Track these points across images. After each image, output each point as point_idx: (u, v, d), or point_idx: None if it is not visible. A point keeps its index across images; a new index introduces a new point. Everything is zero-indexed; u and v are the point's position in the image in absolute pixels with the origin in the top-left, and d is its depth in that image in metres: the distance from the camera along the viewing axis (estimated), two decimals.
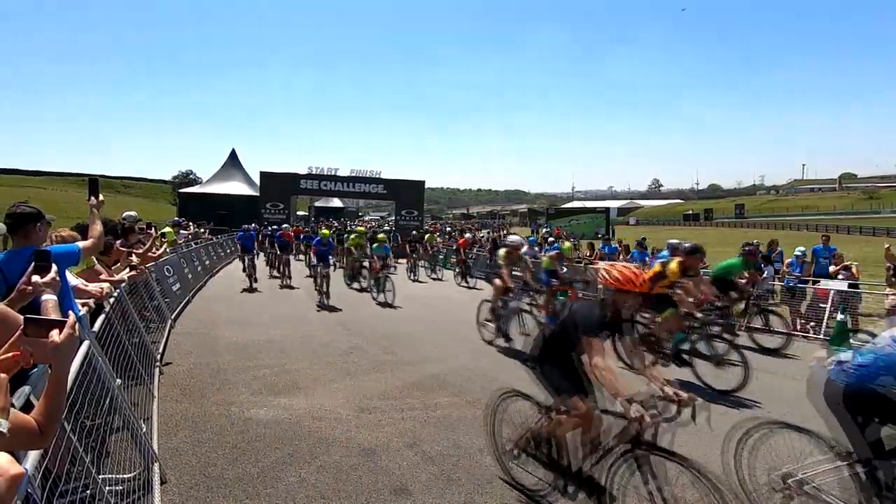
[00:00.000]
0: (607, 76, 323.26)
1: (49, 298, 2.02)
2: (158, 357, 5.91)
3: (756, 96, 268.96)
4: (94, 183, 3.52)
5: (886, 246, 9.03)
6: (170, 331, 7.39)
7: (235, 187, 32.96)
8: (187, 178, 63.58)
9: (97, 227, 3.23)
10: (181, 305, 9.43)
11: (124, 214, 7.95)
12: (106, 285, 4.14)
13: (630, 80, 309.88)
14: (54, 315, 1.95)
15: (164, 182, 75.48)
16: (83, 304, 3.43)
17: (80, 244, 3.14)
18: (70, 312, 1.60)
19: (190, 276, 11.61)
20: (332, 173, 30.46)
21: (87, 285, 3.84)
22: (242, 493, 3.28)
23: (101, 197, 3.41)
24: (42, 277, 2.07)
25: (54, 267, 2.13)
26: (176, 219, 15.53)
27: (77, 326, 1.53)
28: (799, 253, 10.32)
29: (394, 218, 36.43)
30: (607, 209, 46.58)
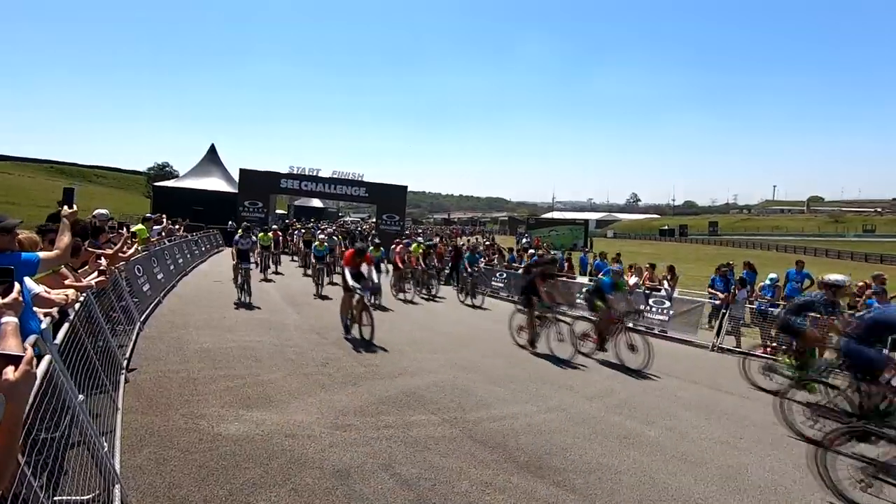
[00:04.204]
0: (590, 90, 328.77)
1: (9, 321, 1.86)
2: (124, 364, 5.67)
3: (732, 118, 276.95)
4: (69, 192, 3.36)
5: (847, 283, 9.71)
6: (138, 334, 7.12)
7: (213, 183, 32.21)
8: (163, 171, 61.61)
9: (65, 239, 3.05)
10: (151, 306, 9.12)
11: (95, 212, 7.65)
12: (71, 291, 3.93)
13: (612, 96, 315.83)
14: (13, 339, 1.80)
15: (139, 173, 73.14)
16: (46, 315, 3.24)
17: (42, 254, 2.95)
18: (27, 347, 1.48)
19: (161, 275, 11.24)
20: (314, 174, 30.11)
21: (50, 292, 3.63)
22: None
23: (74, 207, 3.23)
24: (4, 297, 1.92)
25: (17, 286, 1.98)
26: (147, 215, 15.00)
27: (34, 363, 1.41)
28: (769, 282, 10.59)
29: (374, 220, 36.17)
30: (586, 221, 47.08)
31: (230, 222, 26.19)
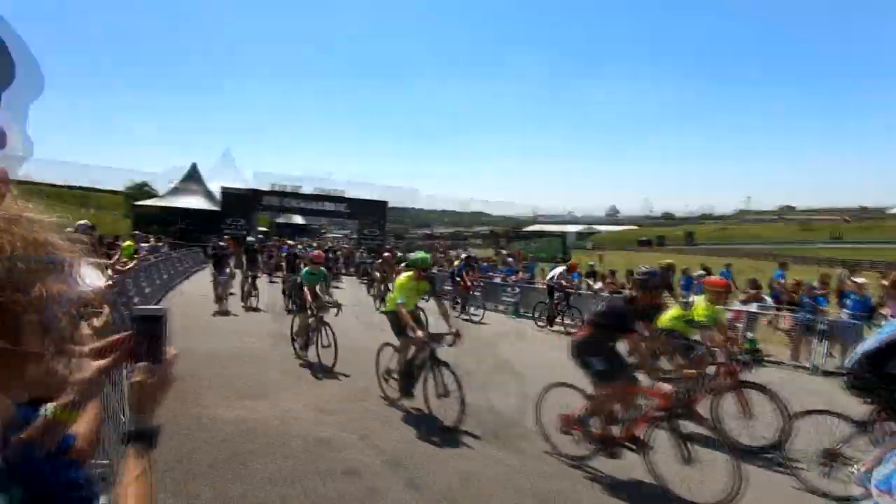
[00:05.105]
0: (571, 104, 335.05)
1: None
2: None
3: (707, 131, 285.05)
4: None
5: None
6: None
7: (195, 202, 32.58)
8: (142, 191, 61.10)
9: None
10: None
11: (77, 224, 7.72)
12: None
13: (593, 110, 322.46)
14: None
15: (115, 193, 72.00)
16: None
17: None
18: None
19: (148, 290, 11.69)
20: (295, 191, 30.67)
21: None
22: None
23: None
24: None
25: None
26: (135, 231, 15.38)
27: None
28: None
29: (356, 237, 36.73)
30: (564, 233, 48.47)
31: (213, 240, 26.54)
